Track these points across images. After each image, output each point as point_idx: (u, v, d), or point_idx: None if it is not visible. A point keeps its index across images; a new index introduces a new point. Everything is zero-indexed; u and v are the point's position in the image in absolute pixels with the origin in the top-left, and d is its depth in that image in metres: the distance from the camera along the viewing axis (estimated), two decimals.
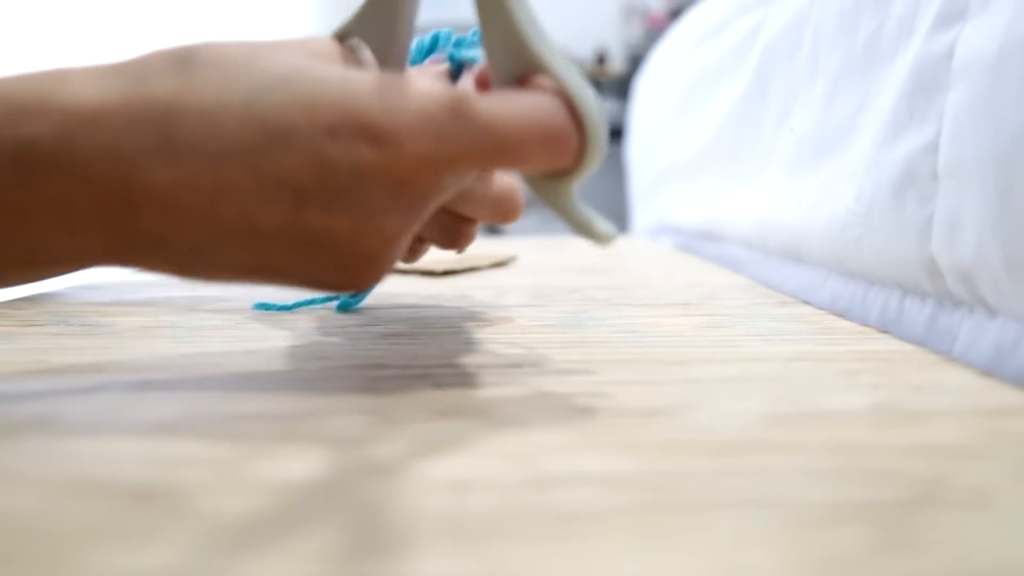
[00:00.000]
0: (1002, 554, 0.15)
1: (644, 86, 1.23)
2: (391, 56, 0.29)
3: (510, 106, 0.23)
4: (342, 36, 0.28)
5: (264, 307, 0.41)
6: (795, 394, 0.26)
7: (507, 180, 0.36)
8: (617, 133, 1.28)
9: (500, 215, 0.36)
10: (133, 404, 0.25)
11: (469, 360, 0.31)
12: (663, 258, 0.75)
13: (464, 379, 0.28)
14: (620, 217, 1.56)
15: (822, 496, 0.18)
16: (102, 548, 0.16)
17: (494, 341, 0.34)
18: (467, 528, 0.16)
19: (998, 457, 0.20)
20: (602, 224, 0.26)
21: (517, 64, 0.25)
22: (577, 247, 0.85)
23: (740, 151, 0.70)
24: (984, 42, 0.34)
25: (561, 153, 0.24)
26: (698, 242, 0.84)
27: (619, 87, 3.76)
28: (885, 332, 0.35)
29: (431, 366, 0.30)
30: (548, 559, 0.15)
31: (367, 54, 0.28)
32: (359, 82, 0.23)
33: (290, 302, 0.42)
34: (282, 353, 0.32)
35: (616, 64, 4.01)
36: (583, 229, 0.26)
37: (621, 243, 0.96)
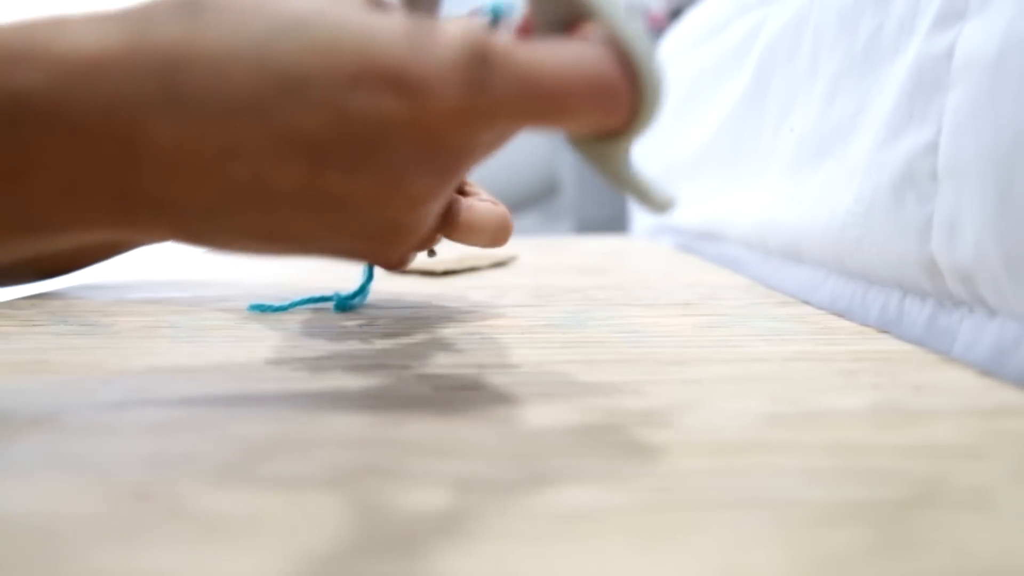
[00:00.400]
0: (1002, 554, 0.15)
1: None
2: (421, 1, 0.26)
3: (554, 53, 0.21)
4: None
5: (259, 308, 0.41)
6: (795, 394, 0.26)
7: (488, 204, 0.34)
8: None
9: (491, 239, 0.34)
10: (133, 404, 0.25)
11: (469, 360, 0.31)
12: (663, 258, 0.75)
13: (464, 379, 0.28)
14: (620, 217, 1.56)
15: (822, 496, 0.18)
16: (102, 548, 0.16)
17: (494, 341, 0.34)
18: (467, 528, 0.16)
19: (998, 457, 0.20)
20: (660, 190, 0.23)
21: (562, 9, 0.22)
22: (577, 247, 0.85)
23: (740, 151, 0.70)
24: (984, 42, 0.34)
25: (610, 107, 0.21)
26: (698, 242, 0.84)
27: None
28: (885, 332, 0.35)
29: (431, 366, 0.30)
30: (548, 559, 0.15)
31: None
32: (384, 26, 0.21)
33: (285, 303, 0.42)
34: (282, 353, 0.32)
35: None
36: (640, 195, 0.23)
37: (621, 243, 0.96)
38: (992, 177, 0.33)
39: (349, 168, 0.21)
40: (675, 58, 1.01)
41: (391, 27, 0.21)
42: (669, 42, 1.10)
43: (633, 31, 0.22)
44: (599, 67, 0.21)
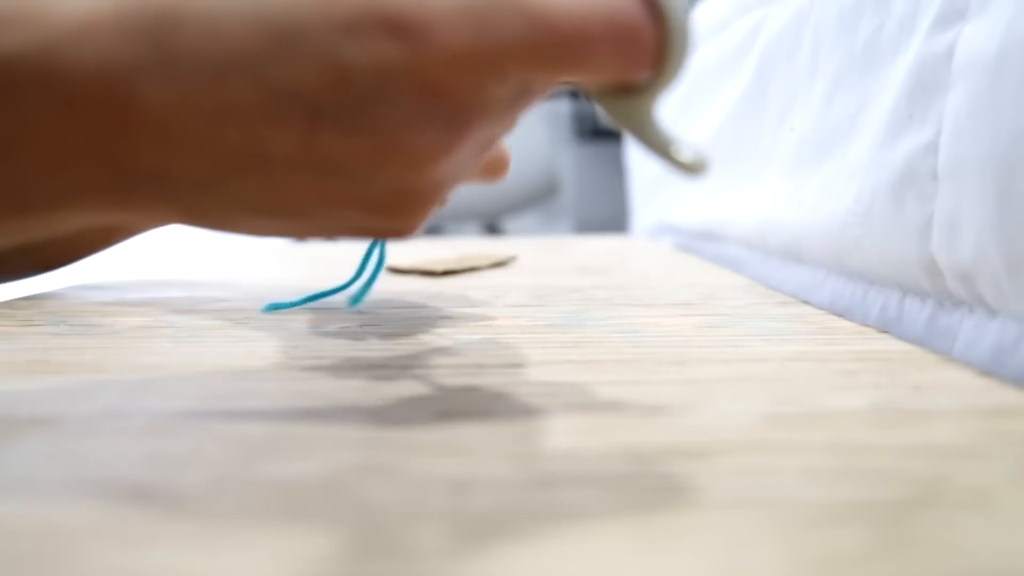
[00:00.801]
0: (1002, 554, 0.15)
1: None
2: None
3: None
4: None
5: (274, 307, 0.41)
6: (795, 394, 0.26)
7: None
8: (617, 133, 1.28)
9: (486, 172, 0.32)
10: (133, 404, 0.25)
11: (469, 360, 0.31)
12: (663, 258, 0.75)
13: (464, 379, 0.28)
14: (620, 217, 1.56)
15: (822, 496, 0.18)
16: (102, 548, 0.16)
17: (494, 341, 0.34)
18: (467, 528, 0.16)
19: (998, 457, 0.20)
20: (691, 151, 0.21)
21: None
22: (577, 247, 0.85)
23: (740, 151, 0.70)
24: (984, 42, 0.34)
25: (633, 54, 0.20)
26: (698, 242, 0.84)
27: None
28: (885, 332, 0.35)
29: (431, 366, 0.30)
30: (548, 559, 0.15)
31: None
32: None
33: (297, 299, 0.41)
34: (282, 353, 0.32)
35: None
36: (666, 156, 0.21)
37: (621, 243, 0.96)
38: (992, 177, 0.33)
39: (347, 126, 0.20)
40: None
41: None
42: None
43: None
44: (622, 8, 0.19)
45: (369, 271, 0.41)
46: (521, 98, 0.22)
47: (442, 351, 0.32)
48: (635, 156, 1.25)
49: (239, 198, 0.21)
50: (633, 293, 0.48)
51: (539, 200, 2.56)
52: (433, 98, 0.20)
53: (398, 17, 0.19)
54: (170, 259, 0.68)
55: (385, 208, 0.22)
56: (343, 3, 0.19)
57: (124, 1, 0.20)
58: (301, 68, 0.19)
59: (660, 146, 0.22)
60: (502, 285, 0.52)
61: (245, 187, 0.21)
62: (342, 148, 0.20)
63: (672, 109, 0.97)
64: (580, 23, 0.19)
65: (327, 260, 0.73)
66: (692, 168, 0.21)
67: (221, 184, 0.21)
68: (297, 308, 0.42)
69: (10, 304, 0.44)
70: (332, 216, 0.22)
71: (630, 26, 0.19)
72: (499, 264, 0.64)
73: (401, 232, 0.23)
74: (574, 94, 4.09)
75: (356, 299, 0.40)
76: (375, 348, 0.33)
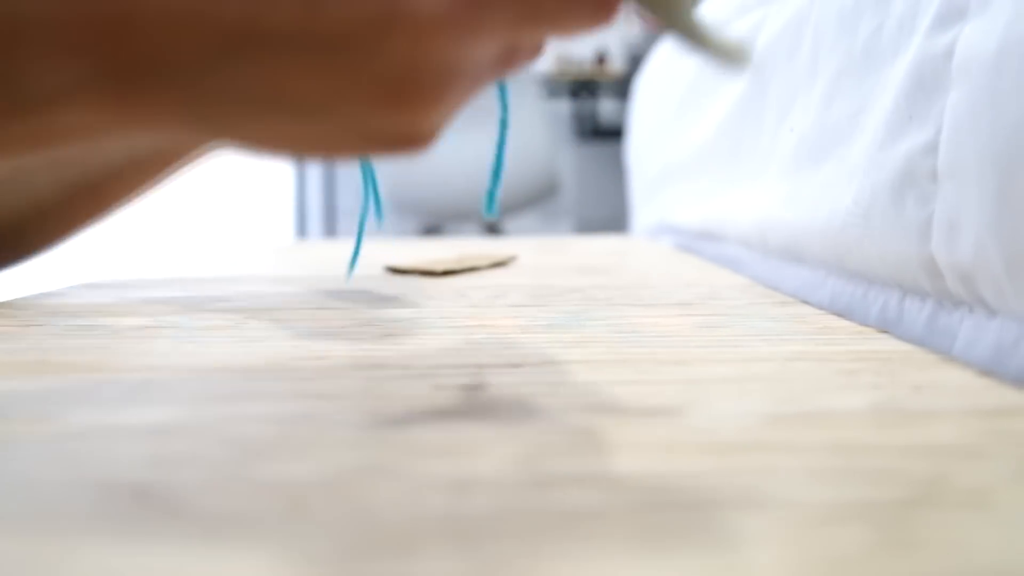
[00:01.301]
0: (1002, 554, 0.15)
1: (644, 86, 1.23)
2: None
3: None
4: None
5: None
6: (795, 394, 0.26)
7: None
8: (617, 133, 1.29)
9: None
10: (133, 404, 0.25)
11: (469, 360, 0.31)
12: (663, 258, 0.75)
13: (464, 379, 0.28)
14: (620, 217, 1.56)
15: (822, 496, 0.18)
16: (101, 548, 0.16)
17: (494, 341, 0.34)
18: (467, 528, 0.16)
19: (998, 457, 0.20)
20: (732, 42, 0.20)
21: None
22: (577, 247, 0.85)
23: (740, 151, 0.70)
24: (984, 42, 0.34)
25: None
26: (698, 242, 0.84)
27: (619, 87, 3.75)
28: (885, 332, 0.35)
29: (431, 366, 0.30)
30: (548, 559, 0.15)
31: None
32: None
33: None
34: (282, 353, 0.32)
35: (616, 64, 4.01)
36: (710, 48, 0.20)
37: (621, 243, 0.96)
38: (992, 177, 0.33)
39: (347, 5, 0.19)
40: (675, 58, 1.01)
41: None
42: (669, 42, 1.10)
43: None
44: None
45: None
46: None
47: (442, 351, 0.32)
48: (635, 156, 1.25)
49: (240, 87, 0.20)
50: (633, 293, 0.48)
51: (539, 200, 2.56)
52: None
53: None
54: (170, 259, 0.68)
55: (392, 94, 0.21)
56: None
57: None
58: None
59: (699, 36, 0.20)
60: (502, 285, 0.52)
61: (245, 73, 0.20)
62: (341, 18, 0.19)
63: (672, 109, 0.97)
64: None
65: (327, 259, 0.73)
66: (734, 57, 0.20)
67: (221, 72, 0.20)
68: (297, 308, 0.42)
69: (11, 304, 0.44)
70: (338, 112, 0.21)
71: None
72: (499, 264, 0.64)
73: (413, 132, 0.21)
74: (574, 94, 4.10)
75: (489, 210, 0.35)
76: (375, 348, 0.33)
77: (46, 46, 0.20)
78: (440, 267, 0.58)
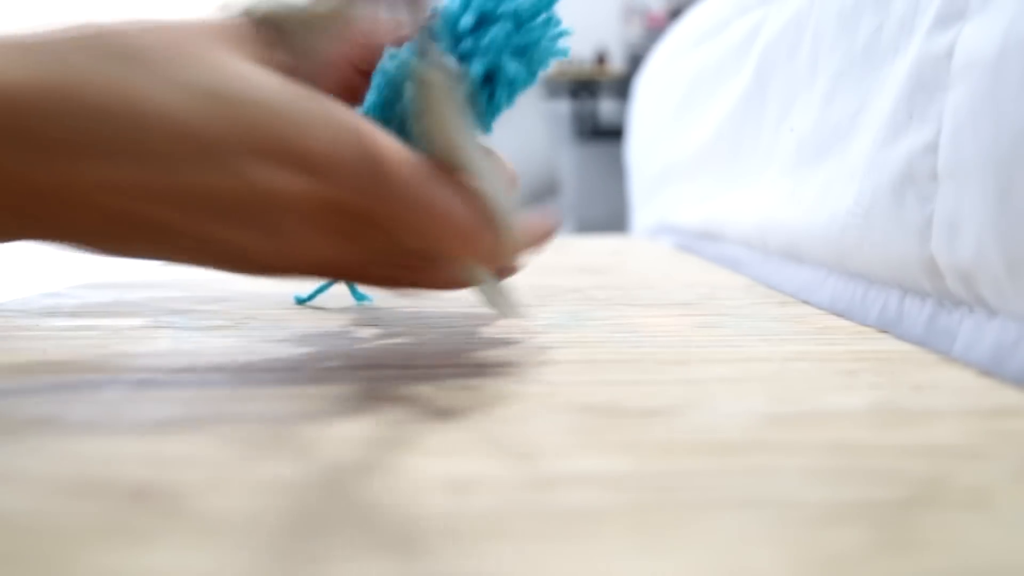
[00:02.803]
0: (1002, 554, 0.15)
1: (644, 86, 1.23)
2: (310, 57, 0.27)
3: (436, 182, 0.24)
4: (262, 18, 0.26)
5: (303, 300, 0.44)
6: (795, 394, 0.26)
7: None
8: (617, 133, 1.29)
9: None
10: (133, 404, 0.25)
11: (469, 360, 0.31)
12: (663, 258, 0.75)
13: (464, 379, 0.28)
14: (620, 217, 1.56)
15: (822, 496, 0.18)
16: (102, 548, 0.16)
17: (494, 341, 0.34)
18: (467, 528, 0.16)
19: (998, 457, 0.20)
20: (511, 299, 0.27)
21: (443, 157, 0.25)
22: (577, 247, 0.85)
23: (740, 151, 0.70)
24: (984, 42, 0.34)
25: (472, 248, 0.25)
26: (698, 242, 0.84)
27: (619, 87, 3.75)
28: (885, 332, 0.35)
29: (431, 366, 0.30)
30: (548, 559, 0.15)
31: (287, 45, 0.26)
32: (292, 103, 0.23)
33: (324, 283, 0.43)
34: (282, 353, 0.32)
35: (616, 64, 4.01)
36: (495, 303, 0.28)
37: (621, 243, 0.96)
38: (992, 177, 0.33)
39: (243, 225, 0.24)
40: (675, 58, 1.01)
41: (303, 103, 0.23)
42: (669, 42, 1.10)
43: (498, 189, 0.25)
44: (464, 217, 0.24)
45: None
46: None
47: (442, 351, 0.32)
48: (635, 156, 1.25)
49: (138, 249, 0.25)
50: (633, 293, 0.48)
51: (539, 200, 2.56)
52: (316, 221, 0.24)
53: (299, 154, 0.23)
54: None
55: (267, 276, 0.26)
56: (254, 130, 0.22)
57: (57, 78, 0.21)
58: (211, 175, 0.22)
59: (489, 299, 0.28)
60: None
61: (145, 245, 0.25)
62: (236, 239, 0.24)
63: (672, 109, 0.97)
64: (432, 215, 0.24)
65: None
66: (512, 312, 0.28)
67: (125, 240, 0.24)
68: (297, 308, 0.42)
69: (11, 304, 0.44)
70: (219, 268, 0.26)
71: (470, 232, 0.25)
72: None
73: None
74: (574, 94, 4.10)
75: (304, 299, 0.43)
76: (375, 348, 0.33)
77: None
78: None
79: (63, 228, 0.24)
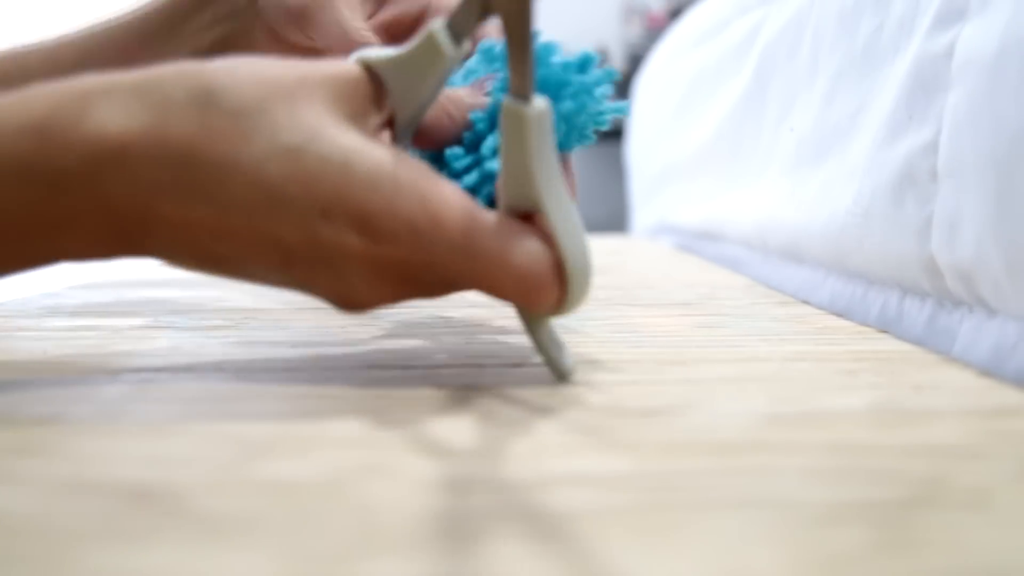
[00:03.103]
0: (1002, 554, 0.15)
1: (644, 86, 1.23)
2: (409, 111, 0.28)
3: (497, 237, 0.24)
4: (374, 69, 0.27)
5: None
6: (795, 394, 0.26)
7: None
8: (617, 133, 1.29)
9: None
10: (133, 404, 0.25)
11: (469, 360, 0.31)
12: (663, 258, 0.75)
13: (464, 379, 0.28)
14: (620, 217, 1.56)
15: (822, 496, 0.18)
16: (102, 548, 0.16)
17: (494, 341, 0.34)
18: (468, 528, 0.16)
19: (998, 457, 0.20)
20: (567, 360, 0.27)
21: (523, 199, 0.25)
22: None
23: (740, 151, 0.70)
24: (983, 42, 0.34)
25: (536, 301, 0.25)
26: (698, 242, 0.84)
27: (619, 87, 3.75)
28: (885, 332, 0.35)
29: (431, 366, 0.30)
30: (548, 559, 0.15)
31: (392, 98, 0.27)
32: (361, 167, 0.24)
33: None
34: (282, 353, 0.32)
35: (616, 64, 4.01)
36: (548, 360, 0.27)
37: (621, 243, 0.96)
38: (992, 177, 0.33)
39: (311, 271, 0.25)
40: (675, 58, 1.01)
41: (366, 168, 0.24)
42: (669, 42, 1.11)
43: (573, 239, 0.25)
44: (533, 268, 0.25)
45: None
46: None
47: (442, 351, 0.32)
48: (635, 156, 1.25)
49: (213, 272, 0.27)
50: (633, 293, 0.48)
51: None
52: (378, 276, 0.25)
53: (363, 217, 0.24)
54: None
55: (337, 308, 0.27)
56: (324, 191, 0.24)
57: (152, 129, 0.24)
58: (284, 226, 0.24)
59: (546, 352, 0.27)
60: None
61: (221, 272, 0.26)
62: (305, 280, 0.26)
63: (672, 109, 0.97)
64: (498, 269, 0.24)
65: None
66: (563, 376, 0.27)
67: (203, 266, 0.26)
68: (296, 308, 0.42)
69: (11, 304, 0.44)
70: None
71: (537, 284, 0.25)
72: None
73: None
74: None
75: None
76: (375, 348, 0.33)
77: (82, 236, 0.25)
78: None
79: (157, 251, 0.25)
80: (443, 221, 0.24)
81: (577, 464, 0.20)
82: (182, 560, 0.15)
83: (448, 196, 0.25)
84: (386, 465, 0.20)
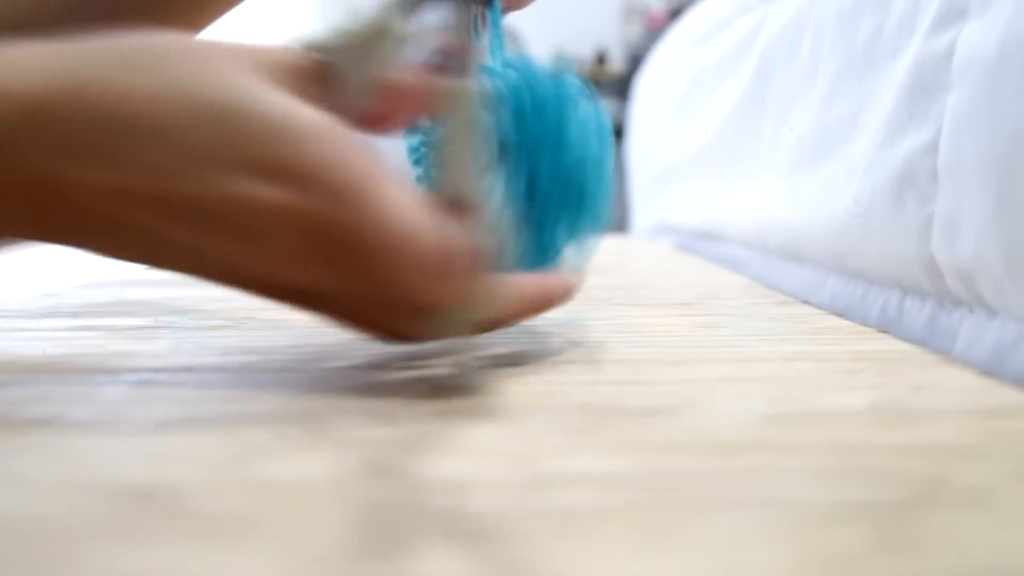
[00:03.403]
0: (1002, 554, 0.15)
1: (644, 86, 1.23)
2: (355, 89, 0.26)
3: (410, 213, 0.24)
4: (320, 51, 0.26)
5: None
6: (795, 394, 0.26)
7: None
8: (617, 133, 1.29)
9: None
10: (133, 404, 0.25)
11: (469, 360, 0.31)
12: (663, 258, 0.75)
13: (464, 379, 0.28)
14: (620, 217, 1.56)
15: (822, 496, 0.18)
16: (102, 548, 0.16)
17: (494, 341, 0.34)
18: (467, 528, 0.16)
19: (998, 457, 0.20)
20: (467, 363, 0.28)
21: (455, 186, 0.25)
22: None
23: (740, 151, 0.70)
24: (984, 42, 0.34)
25: (433, 287, 0.24)
26: (698, 242, 0.84)
27: (619, 87, 3.75)
28: (885, 332, 0.35)
29: (431, 366, 0.30)
30: (548, 559, 0.15)
31: (339, 80, 0.26)
32: (291, 121, 0.23)
33: None
34: (282, 353, 0.32)
35: (616, 64, 4.01)
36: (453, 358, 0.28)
37: (621, 243, 0.96)
38: (992, 177, 0.33)
39: (222, 235, 0.24)
40: (675, 58, 1.01)
41: (306, 123, 0.23)
42: (669, 42, 1.11)
43: (489, 238, 0.24)
44: (436, 252, 0.24)
45: None
46: None
47: (442, 351, 0.32)
48: (635, 156, 1.25)
49: (128, 252, 0.25)
50: (633, 293, 0.48)
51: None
52: (300, 231, 0.23)
53: (286, 166, 0.23)
54: None
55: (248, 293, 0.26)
56: (251, 144, 0.23)
57: (75, 86, 0.23)
58: (205, 188, 0.23)
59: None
60: None
61: (137, 249, 0.25)
62: (219, 249, 0.24)
63: (672, 109, 0.97)
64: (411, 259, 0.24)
65: None
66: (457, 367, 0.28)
67: (117, 242, 0.25)
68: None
69: (12, 303, 0.44)
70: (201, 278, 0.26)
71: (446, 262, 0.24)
72: None
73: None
74: None
75: None
76: (375, 348, 0.33)
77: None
78: None
79: (65, 229, 0.24)
80: (367, 180, 0.23)
81: (577, 464, 0.20)
82: (182, 560, 0.15)
83: (380, 163, 0.24)
84: (386, 465, 0.20)
